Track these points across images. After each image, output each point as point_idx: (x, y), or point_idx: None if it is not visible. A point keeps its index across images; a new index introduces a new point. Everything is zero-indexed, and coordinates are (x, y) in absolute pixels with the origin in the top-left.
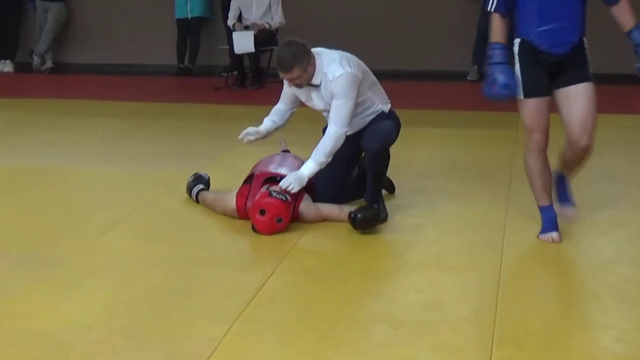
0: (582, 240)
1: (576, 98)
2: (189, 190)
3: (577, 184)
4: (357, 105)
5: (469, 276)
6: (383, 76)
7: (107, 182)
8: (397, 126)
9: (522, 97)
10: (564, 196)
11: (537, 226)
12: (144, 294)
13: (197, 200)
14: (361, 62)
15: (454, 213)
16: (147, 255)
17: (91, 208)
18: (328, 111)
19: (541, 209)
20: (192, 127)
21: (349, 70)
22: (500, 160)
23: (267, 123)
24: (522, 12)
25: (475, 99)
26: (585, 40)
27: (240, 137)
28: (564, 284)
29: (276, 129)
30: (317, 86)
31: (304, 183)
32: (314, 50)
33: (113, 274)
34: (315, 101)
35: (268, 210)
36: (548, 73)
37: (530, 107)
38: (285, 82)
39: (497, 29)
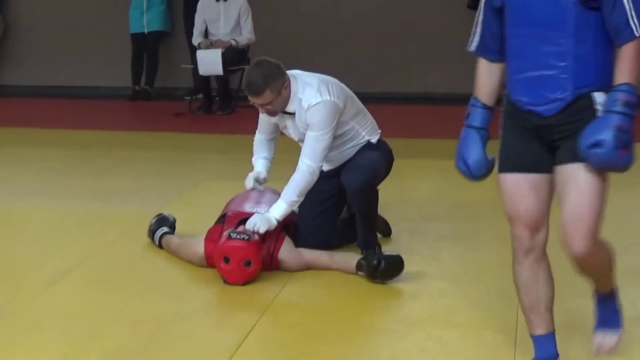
0: None
1: (568, 185)
2: (152, 233)
3: None
4: (337, 136)
5: (481, 334)
6: (374, 100)
7: (55, 222)
8: (387, 158)
9: (498, 172)
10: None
11: (559, 271)
12: (100, 356)
13: (160, 245)
14: (344, 87)
15: (461, 259)
16: (103, 309)
17: (37, 253)
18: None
19: (533, 338)
20: (151, 158)
21: (327, 98)
22: None
23: (262, 164)
24: (507, 50)
25: None
26: (596, 96)
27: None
28: (590, 342)
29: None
30: (291, 114)
31: (273, 226)
32: (288, 72)
33: (64, 332)
34: (291, 130)
35: (232, 256)
36: (544, 142)
37: (504, 187)
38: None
39: (481, 79)
